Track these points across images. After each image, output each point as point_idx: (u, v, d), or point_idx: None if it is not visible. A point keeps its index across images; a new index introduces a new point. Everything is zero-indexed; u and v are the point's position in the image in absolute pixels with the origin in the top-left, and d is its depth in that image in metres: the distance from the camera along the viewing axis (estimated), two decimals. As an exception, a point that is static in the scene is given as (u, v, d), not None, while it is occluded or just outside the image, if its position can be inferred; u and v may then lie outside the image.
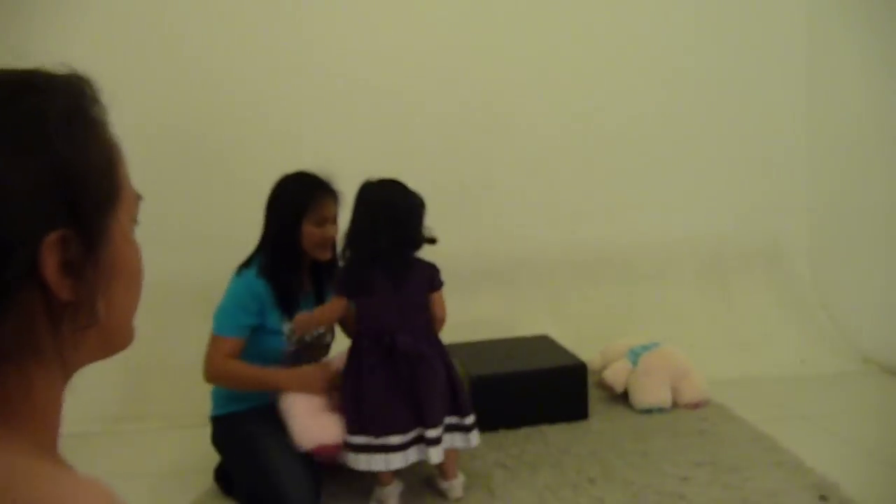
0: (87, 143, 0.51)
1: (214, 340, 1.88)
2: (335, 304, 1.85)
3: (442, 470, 1.89)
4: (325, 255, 1.97)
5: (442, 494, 1.91)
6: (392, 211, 1.79)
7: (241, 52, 2.88)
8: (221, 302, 1.91)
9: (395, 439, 1.73)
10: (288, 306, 1.92)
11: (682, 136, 3.22)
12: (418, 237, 1.81)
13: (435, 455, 1.75)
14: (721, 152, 3.25)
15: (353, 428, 1.75)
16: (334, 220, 1.97)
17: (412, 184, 2.93)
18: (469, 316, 2.93)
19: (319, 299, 2.04)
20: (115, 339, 0.57)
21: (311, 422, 1.78)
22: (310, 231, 1.91)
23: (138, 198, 0.60)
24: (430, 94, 3.00)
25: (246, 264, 1.94)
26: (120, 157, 0.56)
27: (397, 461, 1.73)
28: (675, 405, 2.47)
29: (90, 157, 0.51)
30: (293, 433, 1.76)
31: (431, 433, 1.75)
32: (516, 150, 3.10)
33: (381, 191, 1.82)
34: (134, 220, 0.58)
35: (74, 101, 0.51)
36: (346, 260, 1.84)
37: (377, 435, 1.73)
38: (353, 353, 1.82)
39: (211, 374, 1.90)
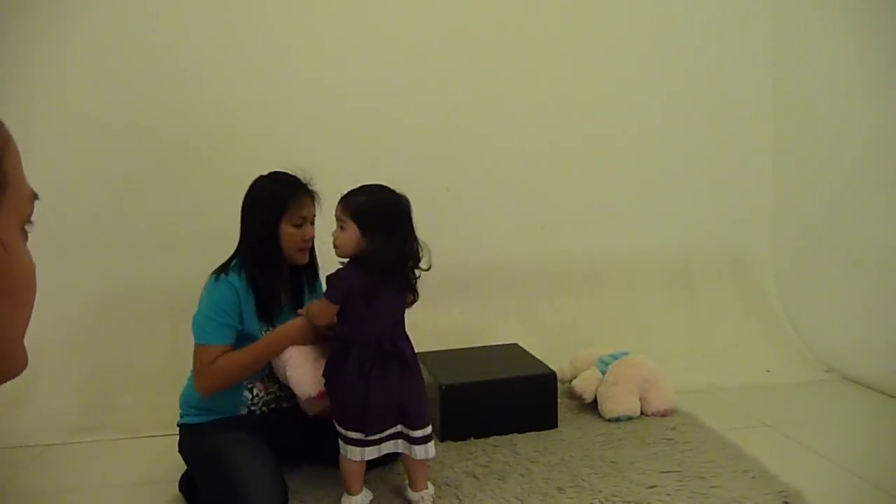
0: None
1: (200, 351, 1.84)
2: (328, 310, 1.79)
3: (412, 480, 1.91)
4: (304, 259, 1.97)
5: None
6: (407, 222, 1.81)
7: (217, 55, 2.88)
8: (200, 310, 1.87)
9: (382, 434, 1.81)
10: (269, 313, 1.91)
11: (650, 149, 3.30)
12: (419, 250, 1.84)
13: (422, 452, 1.82)
14: (689, 165, 3.33)
15: (353, 426, 1.78)
16: (312, 221, 1.96)
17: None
18: (439, 325, 2.97)
19: (298, 304, 2.02)
20: (3, 367, 0.49)
21: (311, 367, 1.81)
22: (289, 232, 1.91)
23: (32, 196, 0.51)
24: (400, 101, 3.03)
25: (223, 269, 1.91)
26: (4, 145, 0.46)
27: (374, 452, 1.80)
28: (643, 414, 2.51)
29: None
30: (294, 384, 1.79)
31: (419, 433, 1.82)
32: (486, 159, 3.14)
33: (395, 199, 1.81)
34: (23, 224, 0.50)
35: None
36: (347, 266, 1.78)
37: (375, 433, 1.78)
38: (345, 356, 1.78)
39: (204, 385, 1.85)
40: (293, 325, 1.89)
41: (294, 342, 1.87)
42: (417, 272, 1.84)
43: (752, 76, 3.34)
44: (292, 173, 1.96)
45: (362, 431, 1.77)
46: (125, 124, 2.81)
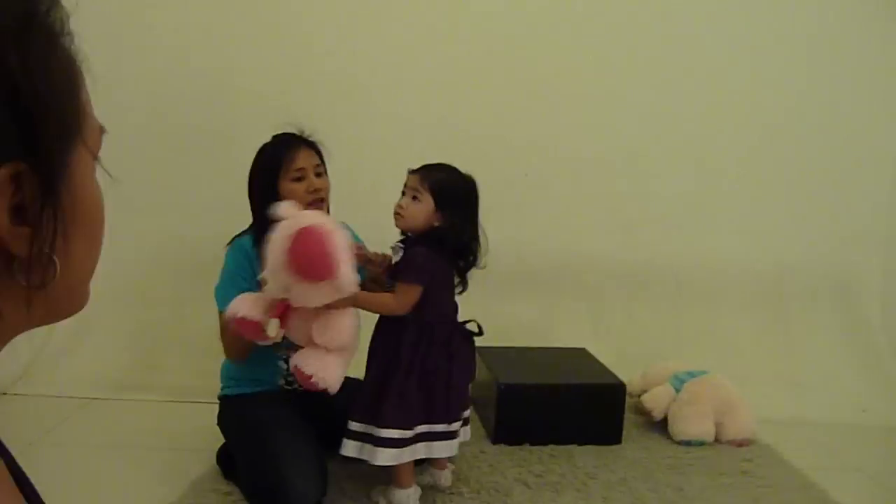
0: (44, 58, 0.42)
1: (221, 318, 1.84)
2: (413, 292, 1.72)
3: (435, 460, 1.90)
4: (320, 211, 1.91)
5: (433, 485, 1.92)
6: (478, 208, 1.81)
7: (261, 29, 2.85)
8: (219, 279, 1.89)
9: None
10: None
11: (750, 154, 3.11)
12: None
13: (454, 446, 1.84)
14: (792, 173, 3.12)
15: (439, 416, 1.77)
16: (317, 172, 1.89)
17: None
18: (502, 319, 2.86)
19: None
20: (68, 303, 0.50)
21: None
22: (291, 189, 1.84)
23: (101, 130, 0.52)
24: (480, 79, 2.93)
25: (238, 237, 1.92)
26: (82, 79, 0.47)
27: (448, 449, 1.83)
28: (717, 440, 2.39)
29: (48, 74, 0.43)
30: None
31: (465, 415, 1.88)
32: (572, 146, 3.01)
33: (472, 180, 1.81)
34: (95, 157, 0.51)
35: (28, 5, 0.42)
36: (419, 244, 1.75)
37: (456, 418, 1.81)
38: (429, 337, 1.76)
39: (227, 351, 1.88)
40: None
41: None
42: (478, 263, 1.82)
43: (872, 78, 3.11)
44: (289, 130, 1.94)
45: (446, 421, 1.78)
46: (176, 80, 2.81)
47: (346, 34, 2.87)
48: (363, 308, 1.74)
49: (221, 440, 2.00)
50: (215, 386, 2.03)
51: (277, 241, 1.53)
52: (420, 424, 1.75)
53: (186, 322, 2.72)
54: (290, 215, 1.57)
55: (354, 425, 1.74)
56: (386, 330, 1.80)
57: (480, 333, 1.85)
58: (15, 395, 2.48)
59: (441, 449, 1.80)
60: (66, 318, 0.51)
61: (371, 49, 2.88)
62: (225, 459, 1.99)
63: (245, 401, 1.92)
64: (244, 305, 1.67)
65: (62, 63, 0.45)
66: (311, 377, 1.63)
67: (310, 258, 1.50)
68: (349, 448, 1.73)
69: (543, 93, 2.98)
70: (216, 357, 2.02)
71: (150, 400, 2.52)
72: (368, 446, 1.72)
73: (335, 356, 1.67)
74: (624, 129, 3.04)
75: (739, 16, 3.06)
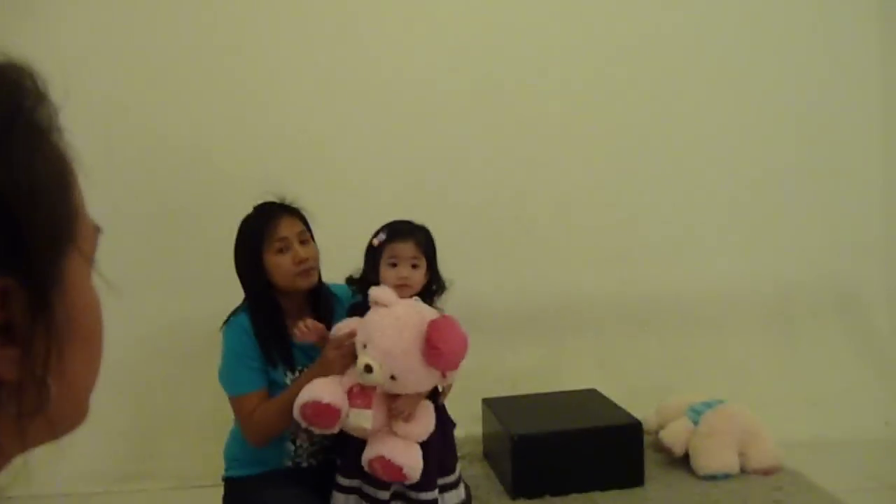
0: (30, 159, 0.39)
1: (237, 403, 1.79)
2: None
3: None
4: (310, 281, 1.84)
5: None
6: None
7: (274, 68, 2.85)
8: (222, 362, 1.83)
9: None
10: (279, 358, 1.81)
11: (745, 171, 3.11)
12: None
13: None
14: (789, 188, 3.12)
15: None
16: (302, 240, 1.83)
17: (447, 218, 2.88)
18: (507, 367, 2.84)
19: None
20: (67, 421, 0.46)
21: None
22: (275, 262, 1.79)
23: (96, 230, 0.49)
24: (456, 124, 2.93)
25: (233, 315, 1.85)
26: (74, 177, 0.44)
27: None
28: (742, 471, 2.33)
29: (35, 177, 0.39)
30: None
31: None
32: (560, 184, 3.01)
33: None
34: (90, 260, 0.47)
35: (12, 100, 0.40)
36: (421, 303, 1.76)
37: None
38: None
39: (252, 437, 1.79)
40: (323, 359, 1.72)
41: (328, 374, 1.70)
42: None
43: (861, 91, 3.15)
44: (271, 200, 1.89)
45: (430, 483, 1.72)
46: (168, 153, 2.78)
47: (323, 92, 2.87)
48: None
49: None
50: (217, 468, 1.96)
51: (397, 328, 1.58)
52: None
53: (183, 406, 2.67)
54: (391, 302, 1.63)
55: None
56: None
57: None
58: (9, 498, 2.40)
59: None
60: (65, 435, 0.47)
61: (350, 106, 2.88)
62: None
63: (251, 482, 1.85)
64: (325, 391, 1.61)
65: (50, 162, 0.41)
66: (402, 468, 1.61)
67: (453, 349, 1.58)
68: None
69: (528, 133, 2.98)
70: (216, 439, 1.98)
71: (151, 489, 2.46)
72: None
73: (413, 444, 1.67)
74: (611, 161, 3.04)
75: (728, 32, 3.09)
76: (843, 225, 3.15)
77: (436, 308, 1.75)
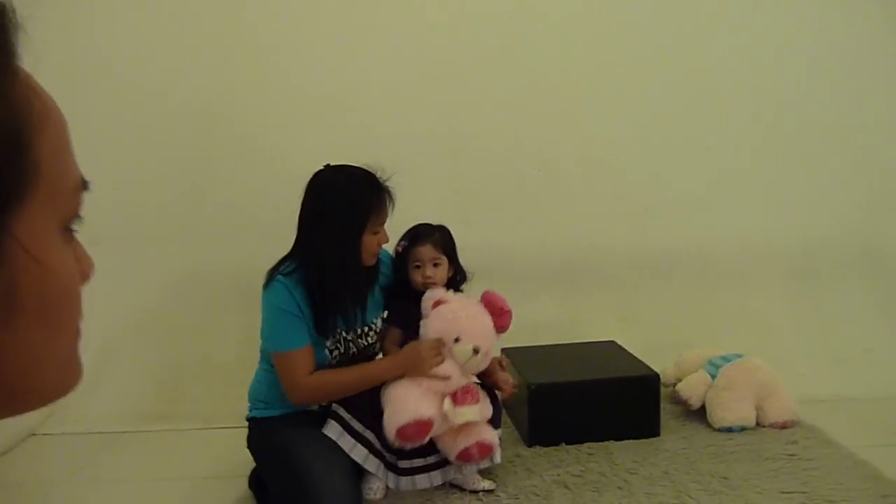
0: None
1: (285, 359, 1.82)
2: None
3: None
4: (373, 262, 1.91)
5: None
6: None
7: (290, 36, 2.85)
8: (265, 320, 1.85)
9: None
10: (326, 329, 1.85)
11: (769, 124, 3.07)
12: None
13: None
14: (816, 142, 3.07)
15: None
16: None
17: (466, 169, 2.90)
18: (527, 318, 2.83)
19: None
20: (31, 395, 0.42)
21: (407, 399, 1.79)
22: (369, 241, 1.83)
23: (79, 186, 0.43)
24: (480, 73, 2.92)
25: (273, 273, 1.83)
26: (35, 128, 0.38)
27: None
28: (758, 424, 2.35)
29: None
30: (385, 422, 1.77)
31: None
32: (582, 135, 2.99)
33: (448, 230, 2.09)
34: (66, 222, 0.42)
35: None
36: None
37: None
38: None
39: (301, 395, 1.85)
40: (412, 350, 1.86)
41: (411, 371, 1.84)
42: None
43: (892, 45, 3.05)
44: (369, 169, 1.86)
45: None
46: (194, 106, 2.81)
47: (347, 45, 2.87)
48: None
49: (252, 465, 2.00)
50: (242, 411, 2.03)
51: (474, 313, 1.88)
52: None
53: (208, 351, 2.75)
54: (448, 298, 1.90)
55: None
56: None
57: None
58: (44, 434, 2.51)
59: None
60: (57, 398, 0.44)
61: (371, 59, 2.88)
62: (257, 484, 1.99)
63: (274, 422, 1.92)
64: (422, 406, 1.76)
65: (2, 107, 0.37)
66: (492, 447, 1.87)
67: (510, 308, 1.93)
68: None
69: (548, 86, 2.96)
70: (240, 383, 2.04)
71: (178, 429, 2.54)
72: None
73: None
74: (635, 114, 3.01)
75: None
76: (869, 181, 3.10)
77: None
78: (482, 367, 1.89)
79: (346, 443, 1.84)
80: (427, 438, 1.79)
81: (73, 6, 2.69)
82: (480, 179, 2.94)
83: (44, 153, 0.39)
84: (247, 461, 2.00)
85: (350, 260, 1.82)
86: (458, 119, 2.91)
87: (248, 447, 1.97)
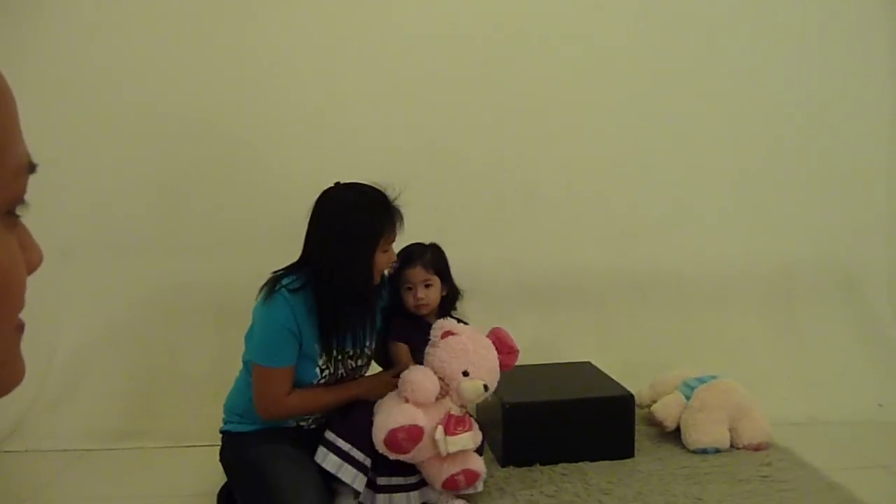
0: None
1: (268, 374, 1.82)
2: None
3: None
4: (380, 279, 1.94)
5: None
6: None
7: (277, 47, 2.87)
8: (257, 328, 1.84)
9: None
10: (331, 344, 1.88)
11: (748, 148, 3.13)
12: None
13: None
14: (792, 167, 3.13)
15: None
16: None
17: (445, 190, 2.91)
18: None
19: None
20: None
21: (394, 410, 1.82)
22: (379, 259, 1.85)
23: (24, 168, 0.40)
24: (463, 92, 2.95)
25: (277, 281, 1.82)
26: None
27: None
28: (733, 446, 2.38)
29: None
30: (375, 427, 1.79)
31: None
32: (563, 157, 3.03)
33: (440, 248, 2.13)
34: (7, 206, 0.40)
35: None
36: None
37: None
38: None
39: (274, 413, 1.87)
40: (383, 378, 1.96)
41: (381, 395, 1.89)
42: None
43: (866, 70, 3.14)
44: (378, 187, 1.88)
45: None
46: (171, 116, 2.81)
47: (332, 55, 2.89)
48: None
49: (223, 481, 1.99)
50: (213, 429, 2.03)
51: (483, 349, 1.92)
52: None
53: (180, 367, 2.73)
54: (459, 330, 1.92)
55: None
56: None
57: None
58: (6, 452, 2.46)
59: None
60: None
61: (351, 75, 2.90)
62: (227, 500, 1.97)
63: (249, 437, 1.91)
64: (418, 415, 1.79)
65: None
66: (479, 474, 1.91)
67: (516, 354, 2.00)
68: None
69: (530, 107, 2.99)
70: (212, 401, 2.03)
71: (148, 447, 2.51)
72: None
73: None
74: (616, 135, 3.05)
75: (734, 14, 3.08)
76: (846, 206, 3.16)
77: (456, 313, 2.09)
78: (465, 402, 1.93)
79: (321, 454, 1.85)
80: (412, 450, 1.78)
81: (53, 15, 2.70)
82: (461, 199, 2.96)
83: None
84: (219, 480, 1.98)
85: (362, 279, 1.84)
86: (441, 139, 2.94)
87: (220, 461, 1.96)
